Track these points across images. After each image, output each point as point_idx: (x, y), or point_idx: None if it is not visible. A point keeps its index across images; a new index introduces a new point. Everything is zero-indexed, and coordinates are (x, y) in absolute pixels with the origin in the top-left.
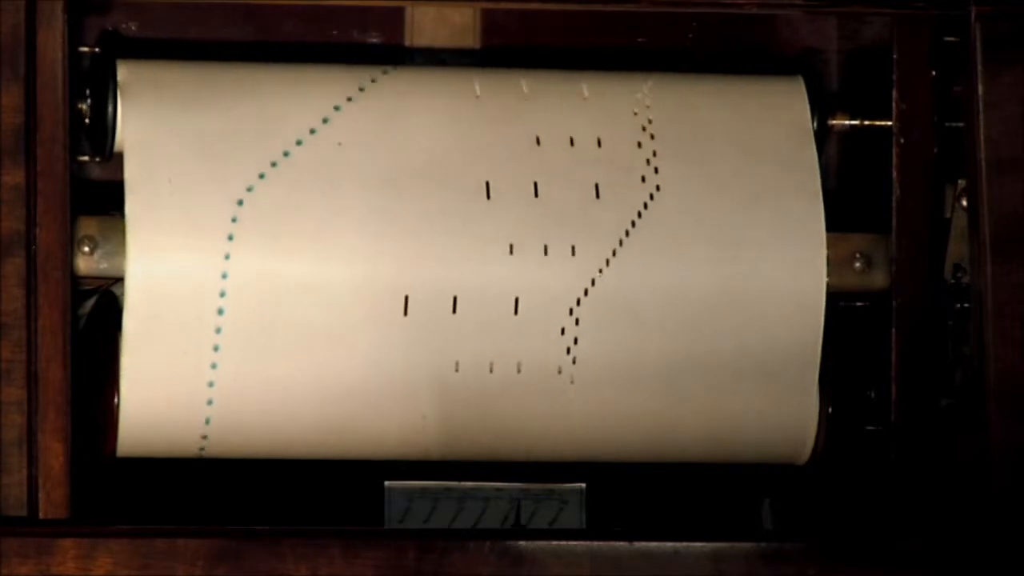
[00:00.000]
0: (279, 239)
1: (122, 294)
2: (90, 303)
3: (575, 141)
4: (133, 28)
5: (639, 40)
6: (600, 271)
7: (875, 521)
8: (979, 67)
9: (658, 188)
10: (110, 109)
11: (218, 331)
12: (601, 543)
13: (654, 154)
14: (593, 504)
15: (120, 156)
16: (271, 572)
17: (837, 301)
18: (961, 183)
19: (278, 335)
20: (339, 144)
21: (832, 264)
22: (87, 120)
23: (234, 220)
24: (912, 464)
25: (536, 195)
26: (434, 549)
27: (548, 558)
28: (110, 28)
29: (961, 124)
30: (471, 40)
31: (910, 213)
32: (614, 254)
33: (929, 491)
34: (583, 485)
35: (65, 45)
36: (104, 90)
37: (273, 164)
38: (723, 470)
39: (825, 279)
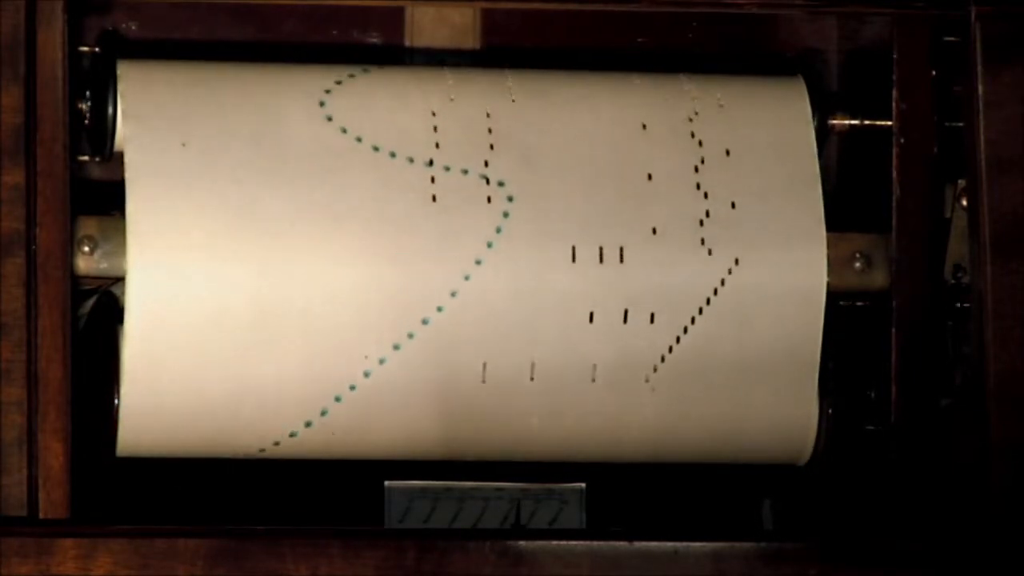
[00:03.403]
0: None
1: (122, 294)
2: (90, 303)
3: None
4: (133, 28)
5: (639, 40)
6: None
7: (875, 521)
8: (979, 67)
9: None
10: (110, 109)
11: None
12: (601, 543)
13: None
14: (593, 504)
15: (120, 156)
16: (271, 572)
17: (837, 301)
18: (961, 183)
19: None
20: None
21: (832, 264)
22: (87, 120)
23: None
24: (912, 464)
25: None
26: (434, 549)
27: (548, 558)
28: (110, 28)
29: (961, 124)
30: (471, 40)
31: (910, 213)
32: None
33: (929, 491)
34: (583, 485)
35: (65, 45)
36: (104, 90)
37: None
38: (723, 470)
39: (825, 279)
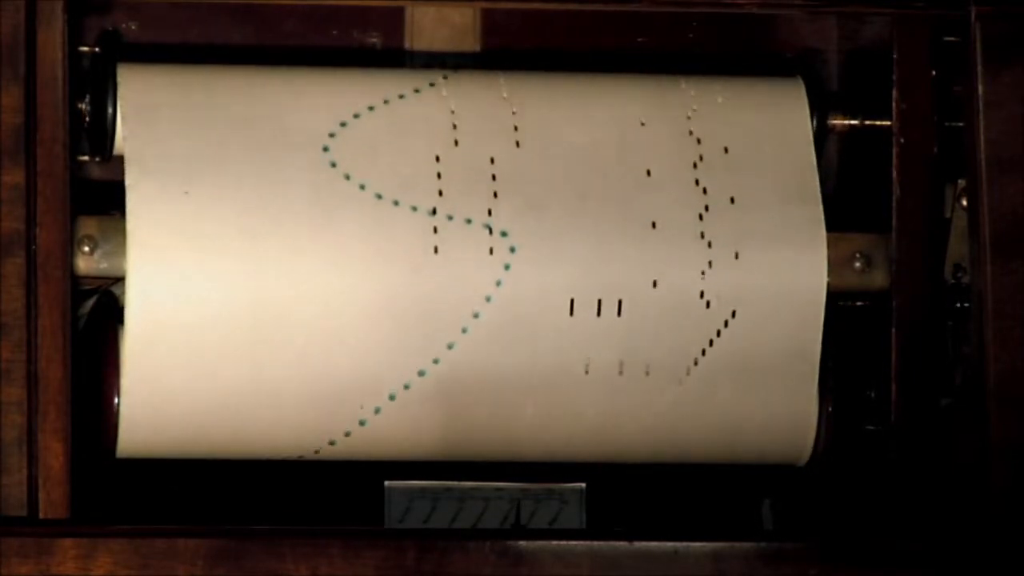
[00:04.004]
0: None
1: (122, 294)
2: (90, 303)
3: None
4: (133, 28)
5: (639, 40)
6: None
7: (875, 521)
8: (979, 67)
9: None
10: (110, 109)
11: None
12: (601, 543)
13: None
14: (593, 504)
15: (120, 156)
16: (271, 572)
17: (837, 301)
18: (961, 183)
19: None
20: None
21: (832, 264)
22: (87, 120)
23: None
24: (912, 464)
25: None
26: (434, 549)
27: (548, 558)
28: (110, 28)
29: (961, 124)
30: (471, 41)
31: (910, 213)
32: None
33: (929, 491)
34: (583, 485)
35: (65, 45)
36: (104, 90)
37: None
38: (723, 470)
39: (825, 279)
